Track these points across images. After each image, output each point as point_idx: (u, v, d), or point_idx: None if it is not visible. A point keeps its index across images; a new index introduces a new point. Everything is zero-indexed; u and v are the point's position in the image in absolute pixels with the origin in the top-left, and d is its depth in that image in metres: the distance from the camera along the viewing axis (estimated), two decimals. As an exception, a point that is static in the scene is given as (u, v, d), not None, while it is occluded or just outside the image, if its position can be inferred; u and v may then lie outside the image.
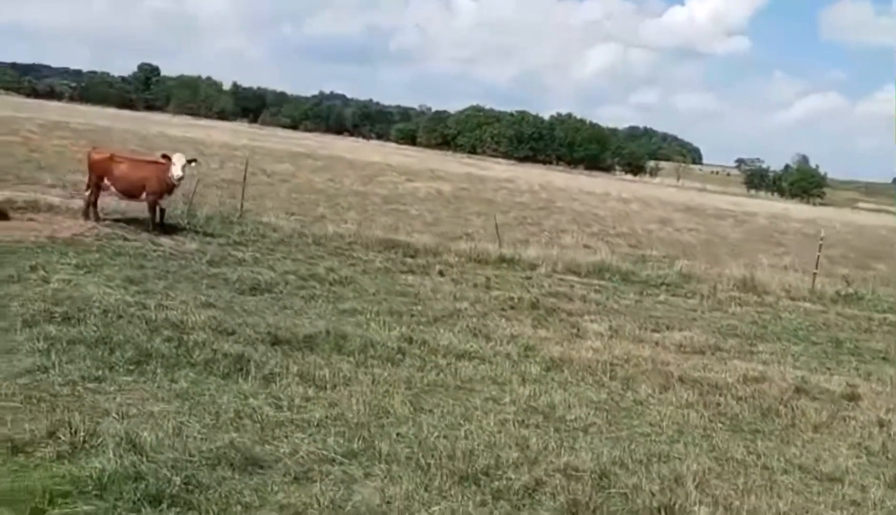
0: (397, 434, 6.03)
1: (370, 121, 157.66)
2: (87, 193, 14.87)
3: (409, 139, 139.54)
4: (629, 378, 8.26)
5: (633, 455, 6.08)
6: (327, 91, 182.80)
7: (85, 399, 6.11)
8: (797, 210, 72.38)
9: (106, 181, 14.59)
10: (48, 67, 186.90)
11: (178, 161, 14.22)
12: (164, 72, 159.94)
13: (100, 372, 6.64)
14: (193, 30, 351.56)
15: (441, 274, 13.64)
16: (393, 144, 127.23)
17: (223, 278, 10.99)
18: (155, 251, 12.57)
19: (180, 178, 14.28)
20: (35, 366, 6.55)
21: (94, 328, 7.69)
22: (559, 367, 8.38)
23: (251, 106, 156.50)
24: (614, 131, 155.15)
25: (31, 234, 12.72)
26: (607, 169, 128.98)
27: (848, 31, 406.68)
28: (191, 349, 7.46)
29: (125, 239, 13.32)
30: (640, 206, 43.34)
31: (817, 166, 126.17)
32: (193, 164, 14.74)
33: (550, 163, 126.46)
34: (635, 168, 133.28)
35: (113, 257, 11.55)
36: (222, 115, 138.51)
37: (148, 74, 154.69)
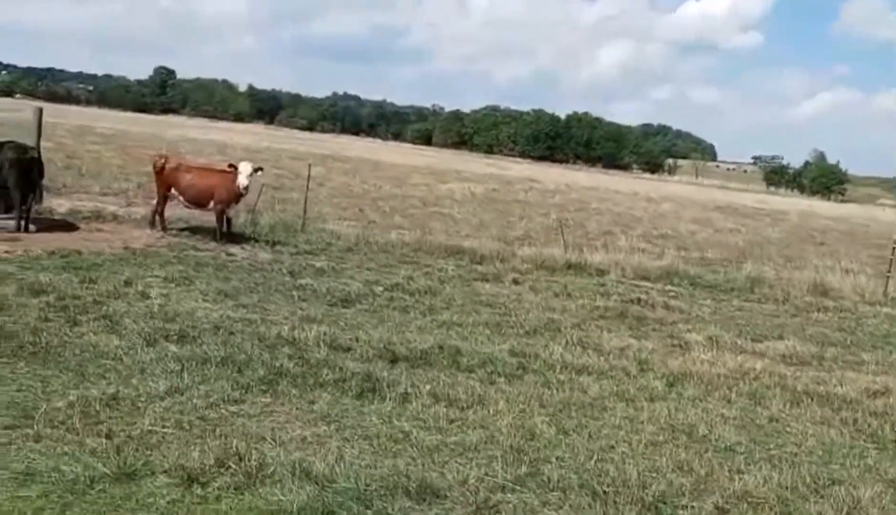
0: (556, 458, 5.87)
1: (385, 121, 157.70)
2: (155, 202, 14.79)
3: (425, 139, 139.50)
4: (754, 393, 8.07)
5: (801, 479, 5.88)
6: (340, 92, 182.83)
7: (233, 422, 5.98)
8: (821, 207, 71.89)
9: (173, 190, 14.52)
10: (63, 71, 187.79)
11: (244, 170, 14.11)
12: (176, 73, 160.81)
13: (237, 394, 6.52)
14: (203, 31, 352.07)
15: (515, 282, 13.47)
16: (409, 145, 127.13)
17: (311, 290, 10.86)
18: (233, 262, 12.47)
19: (247, 187, 14.18)
20: (172, 388, 6.43)
21: (215, 346, 7.57)
22: (681, 382, 8.20)
23: (266, 107, 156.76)
24: (629, 129, 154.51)
25: (106, 245, 12.66)
26: (625, 167, 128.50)
27: (861, 26, 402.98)
28: (315, 367, 7.33)
29: (196, 249, 13.22)
30: (673, 206, 43.02)
31: (838, 162, 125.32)
32: (259, 173, 14.63)
33: (568, 161, 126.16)
34: (653, 166, 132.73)
35: (196, 269, 11.44)
36: (238, 118, 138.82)
37: (164, 77, 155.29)
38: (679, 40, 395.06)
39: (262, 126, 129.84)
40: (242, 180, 13.96)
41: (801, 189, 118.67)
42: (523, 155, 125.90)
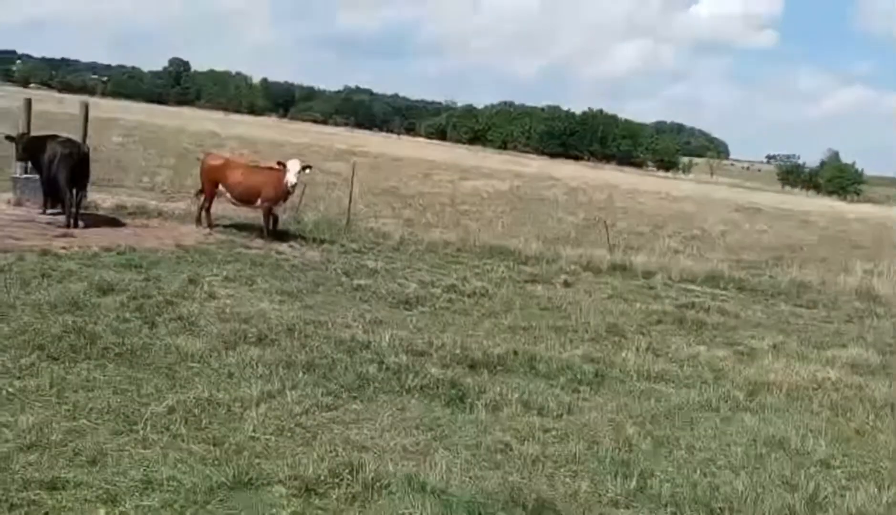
0: (661, 472, 5.81)
1: (400, 115, 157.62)
2: (202, 199, 14.76)
3: (440, 134, 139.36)
4: (835, 404, 7.99)
5: (909, 497, 5.80)
6: (352, 85, 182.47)
7: (332, 429, 5.94)
8: (841, 207, 71.36)
9: (220, 187, 14.49)
10: (77, 62, 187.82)
11: (292, 168, 14.07)
12: (191, 65, 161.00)
13: (328, 400, 6.48)
14: (216, 23, 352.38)
15: (566, 284, 13.41)
16: (423, 139, 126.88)
17: (371, 291, 10.82)
18: (286, 261, 12.44)
19: (295, 185, 14.15)
20: (265, 393, 6.39)
21: (295, 349, 7.55)
22: (759, 392, 8.12)
23: (280, 101, 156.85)
24: (643, 126, 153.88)
25: (157, 242, 12.64)
26: (639, 164, 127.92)
27: (874, 24, 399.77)
28: (397, 372, 7.28)
29: (246, 247, 13.20)
30: (695, 205, 42.86)
31: (854, 163, 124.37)
32: (308, 171, 14.57)
33: (582, 158, 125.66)
34: (668, 164, 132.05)
35: (253, 268, 11.41)
36: (252, 110, 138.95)
37: (179, 69, 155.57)
38: (693, 39, 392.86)
39: (275, 119, 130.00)
40: (291, 178, 13.92)
41: (817, 189, 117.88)
42: (537, 151, 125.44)
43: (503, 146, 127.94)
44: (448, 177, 41.04)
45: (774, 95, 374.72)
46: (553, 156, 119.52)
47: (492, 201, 30.25)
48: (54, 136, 14.14)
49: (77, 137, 14.96)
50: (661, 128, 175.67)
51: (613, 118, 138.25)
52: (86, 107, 15.75)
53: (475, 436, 6.12)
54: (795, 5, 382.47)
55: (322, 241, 14.48)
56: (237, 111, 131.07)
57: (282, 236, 14.44)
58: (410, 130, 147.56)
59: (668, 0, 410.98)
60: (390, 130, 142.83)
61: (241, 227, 14.83)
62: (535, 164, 79.00)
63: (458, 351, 8.11)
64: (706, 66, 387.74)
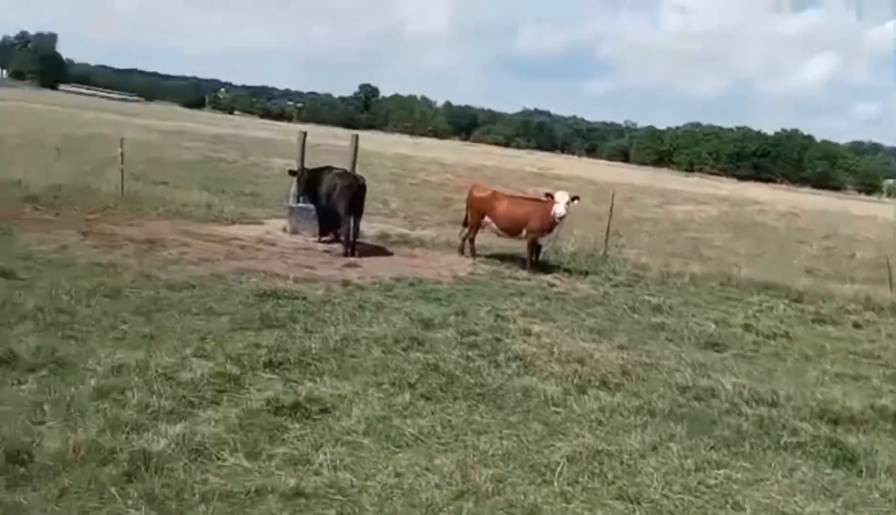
0: None
1: (581, 137, 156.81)
2: (467, 229, 14.99)
3: (622, 156, 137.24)
4: None
5: None
6: (531, 107, 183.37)
7: (734, 489, 5.64)
8: None
9: (487, 218, 14.64)
10: (274, 89, 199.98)
11: (561, 199, 13.96)
12: (379, 90, 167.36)
13: (712, 455, 6.19)
14: (403, 48, 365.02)
15: (856, 325, 12.51)
16: (604, 161, 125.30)
17: (671, 330, 10.47)
18: (565, 294, 12.34)
19: (563, 217, 14.01)
20: (647, 445, 6.20)
21: (643, 395, 7.35)
22: None
23: (463, 124, 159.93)
24: (839, 146, 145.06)
25: (434, 273, 12.86)
26: (837, 188, 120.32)
27: None
28: (763, 426, 6.91)
29: (514, 278, 13.22)
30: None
31: None
32: (576, 202, 14.39)
33: (773, 181, 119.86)
34: (870, 187, 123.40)
35: (540, 301, 11.37)
36: (436, 133, 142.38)
37: (368, 95, 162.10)
38: (885, 54, 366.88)
39: (459, 142, 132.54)
40: (559, 210, 13.80)
41: None
42: (726, 173, 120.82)
43: (690, 168, 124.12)
44: (652, 202, 40.12)
45: None
46: (742, 178, 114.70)
47: (711, 228, 29.21)
48: (329, 168, 14.79)
49: (346, 167, 15.53)
50: (858, 148, 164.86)
51: (809, 139, 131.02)
52: (355, 140, 16.35)
53: (888, 506, 5.64)
54: None
55: (586, 273, 14.29)
56: (422, 135, 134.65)
57: (543, 267, 14.36)
58: (591, 152, 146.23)
59: (859, 15, 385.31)
60: (571, 152, 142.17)
61: (501, 257, 14.90)
62: (727, 187, 76.07)
63: (812, 404, 7.61)
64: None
